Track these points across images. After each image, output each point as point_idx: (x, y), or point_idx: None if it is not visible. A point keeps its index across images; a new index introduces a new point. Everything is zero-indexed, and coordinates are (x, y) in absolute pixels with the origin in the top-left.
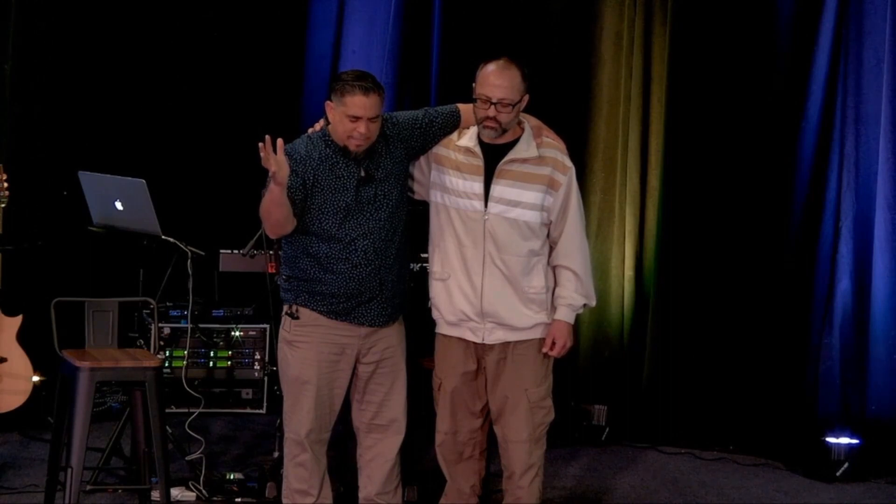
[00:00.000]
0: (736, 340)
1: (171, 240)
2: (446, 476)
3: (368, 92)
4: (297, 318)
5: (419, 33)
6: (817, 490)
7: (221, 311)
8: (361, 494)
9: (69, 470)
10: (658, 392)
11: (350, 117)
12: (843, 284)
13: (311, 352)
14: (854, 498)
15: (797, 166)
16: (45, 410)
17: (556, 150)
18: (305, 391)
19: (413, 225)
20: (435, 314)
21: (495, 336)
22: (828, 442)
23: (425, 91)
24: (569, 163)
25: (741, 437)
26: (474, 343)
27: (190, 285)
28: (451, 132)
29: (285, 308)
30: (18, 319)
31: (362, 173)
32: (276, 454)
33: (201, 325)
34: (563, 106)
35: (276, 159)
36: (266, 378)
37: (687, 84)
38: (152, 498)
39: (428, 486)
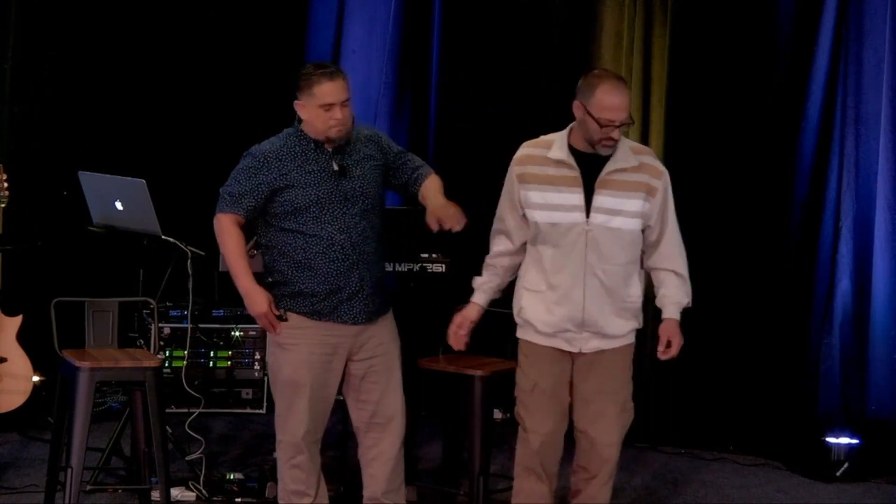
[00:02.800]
0: (736, 340)
1: (171, 240)
2: (542, 476)
3: (334, 76)
4: (286, 320)
5: (419, 33)
6: (817, 490)
7: (221, 311)
8: (366, 494)
9: (69, 470)
10: (658, 392)
11: (324, 106)
12: (843, 284)
13: (302, 354)
14: (854, 498)
15: (797, 166)
16: (45, 410)
17: (650, 155)
18: (300, 394)
19: (413, 226)
20: (522, 323)
21: (591, 345)
22: (828, 442)
23: (425, 91)
24: (661, 167)
25: (741, 437)
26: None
27: (190, 285)
28: (403, 189)
29: (277, 312)
30: (18, 319)
31: (335, 167)
32: (275, 454)
33: (201, 325)
34: (563, 106)
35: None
36: (266, 378)
37: (687, 84)
38: (152, 498)
39: (427, 486)
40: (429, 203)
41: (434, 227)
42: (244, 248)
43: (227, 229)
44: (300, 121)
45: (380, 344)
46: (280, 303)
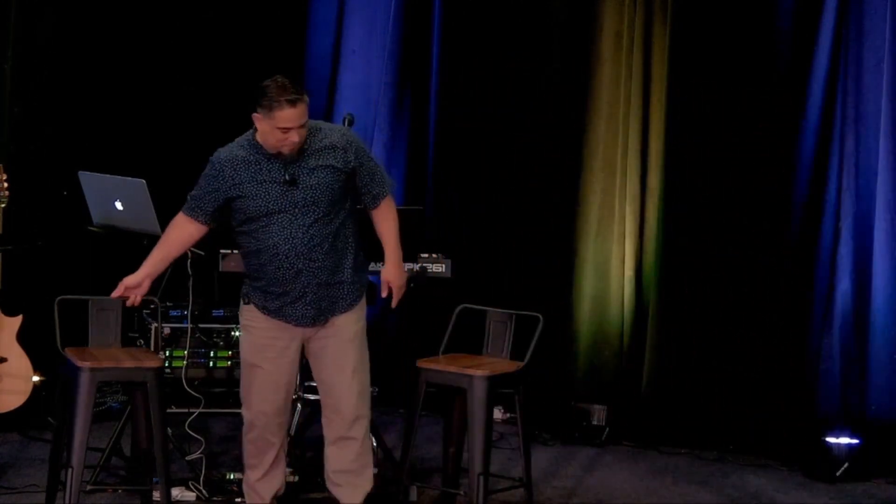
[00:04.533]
0: (736, 340)
1: None
2: None
3: (296, 103)
4: (247, 304)
5: (419, 34)
6: (817, 490)
7: (221, 311)
8: (324, 472)
9: (69, 470)
10: (658, 392)
11: (282, 129)
12: (843, 285)
13: (258, 337)
14: (854, 498)
15: (797, 166)
16: (45, 410)
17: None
18: (255, 374)
19: (412, 227)
20: None
21: None
22: (828, 442)
23: (425, 91)
24: None
25: (741, 437)
26: None
27: (190, 285)
28: (367, 203)
29: (242, 295)
30: (18, 319)
31: (286, 177)
32: None
33: (201, 325)
34: (563, 106)
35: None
36: None
37: (687, 84)
38: (153, 498)
39: (427, 487)
40: (387, 270)
41: (384, 292)
42: (174, 243)
43: (174, 223)
44: (255, 129)
45: (333, 326)
46: (245, 289)
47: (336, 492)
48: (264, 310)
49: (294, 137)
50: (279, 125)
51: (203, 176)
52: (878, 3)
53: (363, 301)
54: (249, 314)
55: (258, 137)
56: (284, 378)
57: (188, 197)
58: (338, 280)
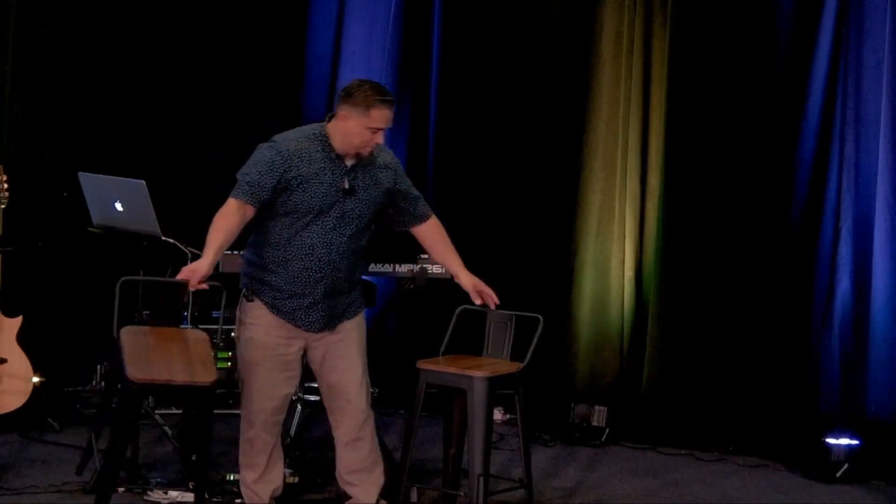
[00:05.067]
0: (736, 341)
1: (171, 241)
2: None
3: (391, 106)
4: (252, 301)
5: (419, 34)
6: (817, 491)
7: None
8: (336, 472)
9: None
10: (658, 393)
11: (371, 129)
12: (843, 285)
13: (260, 334)
14: (854, 499)
15: (797, 167)
16: (45, 411)
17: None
18: (254, 372)
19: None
20: None
21: None
22: (828, 443)
23: (425, 92)
24: None
25: (741, 438)
26: None
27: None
28: (407, 222)
29: (243, 290)
30: (18, 320)
31: (346, 185)
32: None
33: (201, 326)
34: (563, 106)
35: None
36: None
37: (687, 84)
38: (152, 499)
39: (427, 488)
40: (463, 280)
41: (478, 300)
42: (232, 230)
43: (229, 211)
44: (329, 119)
45: (341, 330)
46: (251, 283)
47: (351, 491)
48: (274, 309)
49: (379, 139)
50: (372, 125)
51: (265, 162)
52: (879, 3)
53: (361, 315)
54: (254, 311)
55: (335, 135)
56: (284, 377)
57: (242, 182)
58: (349, 290)
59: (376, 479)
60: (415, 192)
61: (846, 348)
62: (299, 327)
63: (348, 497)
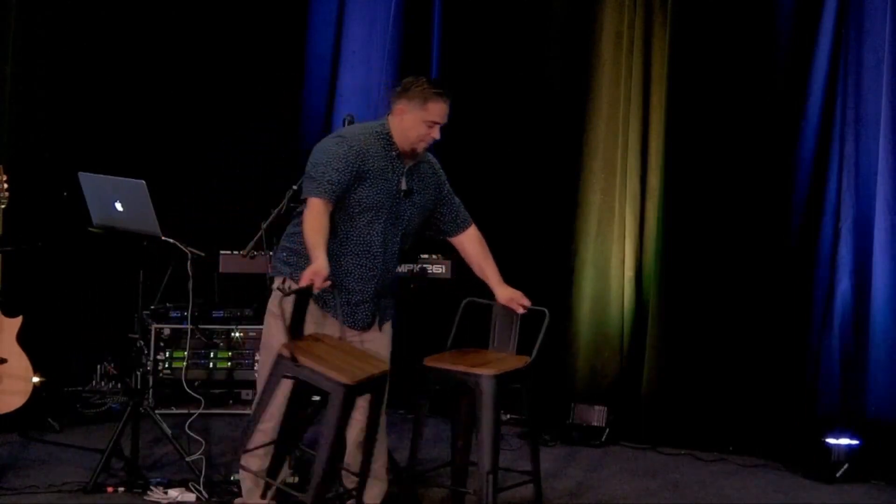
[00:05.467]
0: (736, 341)
1: (171, 241)
2: None
3: (447, 100)
4: (285, 292)
5: (419, 34)
6: (817, 491)
7: (221, 311)
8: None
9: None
10: (658, 393)
11: (428, 122)
12: (843, 285)
13: None
14: (854, 499)
15: (797, 167)
16: (45, 411)
17: None
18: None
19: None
20: None
21: None
22: (828, 443)
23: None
24: None
25: (741, 438)
26: None
27: (190, 286)
28: (449, 230)
29: (277, 282)
30: (18, 320)
31: (404, 186)
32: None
33: (201, 326)
34: (564, 106)
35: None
36: None
37: (687, 84)
38: (151, 498)
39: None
40: (499, 293)
41: (519, 310)
42: (328, 228)
43: (318, 211)
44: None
45: (373, 330)
46: (293, 273)
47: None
48: (320, 301)
49: (436, 134)
50: (429, 118)
51: (339, 157)
52: (879, 3)
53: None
54: (290, 304)
55: (394, 131)
56: None
57: (322, 181)
58: (390, 292)
59: (384, 482)
60: (456, 198)
61: (846, 348)
62: (345, 323)
63: (349, 497)
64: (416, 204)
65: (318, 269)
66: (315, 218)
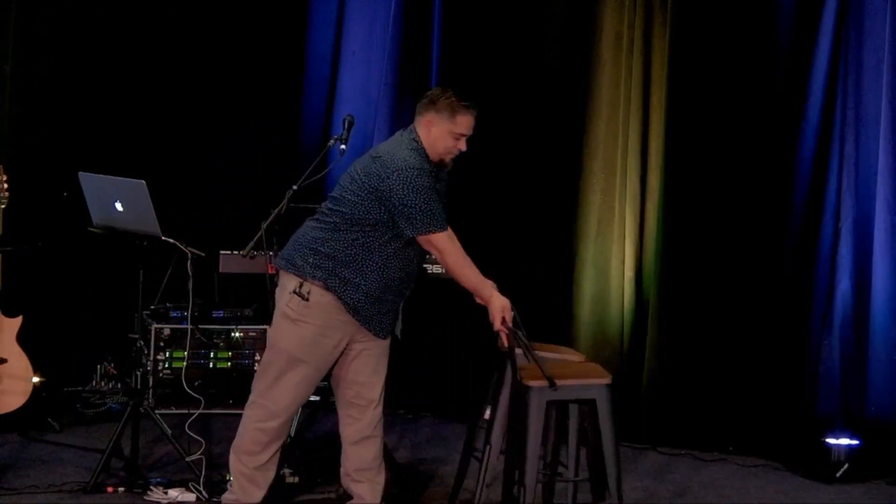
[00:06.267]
0: (736, 341)
1: (171, 241)
2: None
3: (474, 112)
4: (307, 300)
5: (419, 34)
6: (817, 491)
7: (221, 311)
8: (342, 469)
9: (521, 488)
10: (658, 393)
11: (456, 135)
12: (843, 285)
13: (310, 333)
14: (854, 499)
15: (797, 167)
16: (45, 411)
17: None
18: (296, 369)
19: None
20: None
21: None
22: (828, 443)
23: (425, 91)
24: None
25: (741, 438)
26: None
27: (190, 286)
28: None
29: (295, 285)
30: (18, 320)
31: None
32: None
33: (201, 326)
34: (563, 107)
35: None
36: None
37: (687, 85)
38: (152, 499)
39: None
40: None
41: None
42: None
43: (455, 242)
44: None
45: (371, 348)
46: (328, 279)
47: (357, 489)
48: (352, 310)
49: (462, 146)
50: (457, 130)
51: (426, 189)
52: (879, 3)
53: None
54: (313, 309)
55: (424, 142)
56: (323, 373)
57: (437, 215)
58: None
59: (382, 480)
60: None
61: (846, 348)
62: (370, 330)
63: (349, 497)
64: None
65: (504, 304)
66: (460, 252)
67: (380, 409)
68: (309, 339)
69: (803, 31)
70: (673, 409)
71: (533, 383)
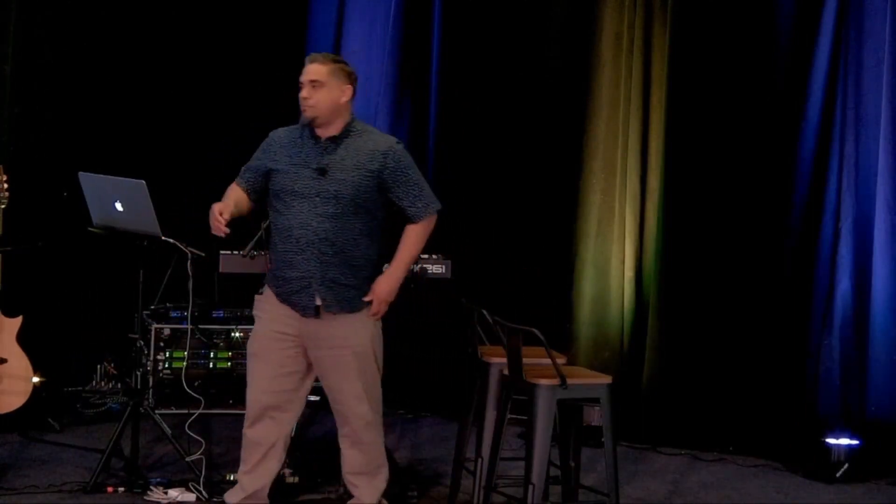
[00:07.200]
0: (736, 341)
1: (171, 241)
2: None
3: (313, 60)
4: (261, 293)
5: (419, 34)
6: (817, 491)
7: (221, 311)
8: (342, 470)
9: (531, 486)
10: (658, 393)
11: (299, 86)
12: (843, 285)
13: (261, 327)
14: (854, 499)
15: (797, 167)
16: (45, 411)
17: None
18: (253, 363)
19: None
20: None
21: None
22: (828, 443)
23: (425, 92)
24: None
25: (741, 439)
26: None
27: (190, 286)
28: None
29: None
30: (18, 320)
31: (317, 164)
32: None
33: (201, 326)
34: (563, 107)
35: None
36: None
37: (687, 85)
38: (152, 498)
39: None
40: (379, 279)
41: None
42: (230, 197)
43: (231, 187)
44: None
45: (331, 339)
46: (267, 278)
47: (354, 491)
48: (277, 294)
49: (303, 93)
50: (300, 79)
51: (258, 148)
52: (879, 3)
53: (366, 311)
54: (262, 303)
55: None
56: (278, 372)
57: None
58: (346, 283)
59: (378, 483)
60: (416, 191)
61: (846, 348)
62: (297, 312)
63: (350, 496)
64: (338, 181)
65: (218, 206)
66: (229, 189)
67: (364, 419)
68: (260, 332)
69: (803, 31)
70: (673, 408)
71: (541, 381)
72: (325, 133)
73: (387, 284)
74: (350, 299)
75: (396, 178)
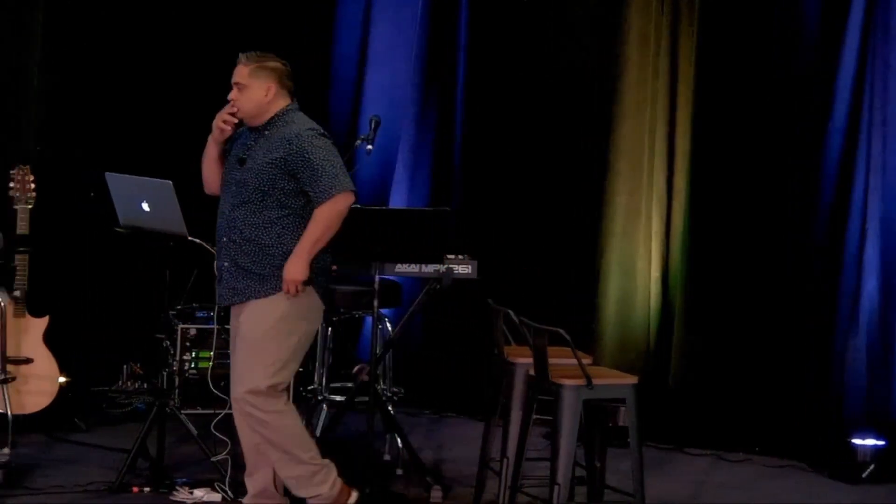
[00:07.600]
0: (762, 342)
1: (198, 241)
2: None
3: (238, 61)
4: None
5: (446, 35)
6: (843, 491)
7: None
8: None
9: (556, 487)
10: (683, 393)
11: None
12: (870, 286)
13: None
14: (880, 499)
15: (824, 168)
16: (71, 411)
17: None
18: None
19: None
20: None
21: None
22: (853, 443)
23: (452, 93)
24: None
25: (766, 439)
26: None
27: (216, 286)
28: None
29: None
30: (45, 320)
31: (240, 155)
32: None
33: (227, 326)
34: (590, 108)
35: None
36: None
37: (714, 85)
38: (176, 498)
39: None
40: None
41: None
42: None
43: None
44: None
45: (238, 325)
46: None
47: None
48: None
49: (231, 94)
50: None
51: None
52: None
53: (278, 297)
54: None
55: None
56: (232, 360)
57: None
58: (257, 272)
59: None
60: (319, 176)
61: (873, 349)
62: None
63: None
64: (248, 169)
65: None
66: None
67: (244, 402)
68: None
69: (831, 32)
70: (699, 409)
71: (567, 382)
72: (252, 125)
73: (291, 265)
74: (258, 289)
75: (297, 164)
